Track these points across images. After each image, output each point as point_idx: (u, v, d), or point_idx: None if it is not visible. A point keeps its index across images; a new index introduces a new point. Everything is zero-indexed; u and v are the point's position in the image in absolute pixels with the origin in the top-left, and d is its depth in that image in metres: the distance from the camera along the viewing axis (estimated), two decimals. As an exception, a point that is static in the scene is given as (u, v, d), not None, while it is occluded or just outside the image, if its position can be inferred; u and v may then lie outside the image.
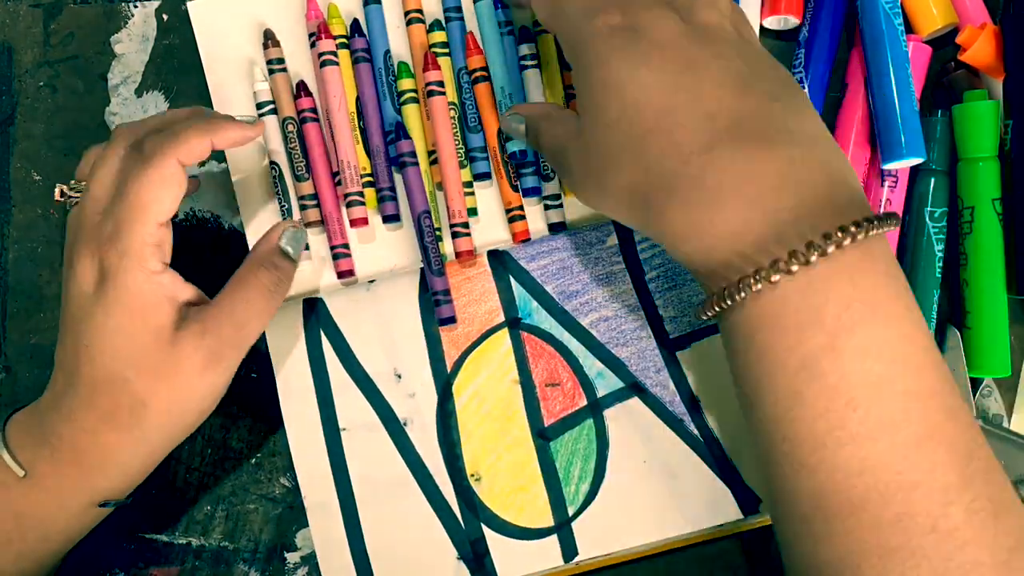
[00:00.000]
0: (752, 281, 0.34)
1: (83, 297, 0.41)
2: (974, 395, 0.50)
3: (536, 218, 0.51)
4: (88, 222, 0.42)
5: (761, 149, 0.35)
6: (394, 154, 0.50)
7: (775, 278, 0.34)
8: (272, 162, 0.51)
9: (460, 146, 0.51)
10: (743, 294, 0.35)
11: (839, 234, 0.33)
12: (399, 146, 0.49)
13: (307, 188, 0.51)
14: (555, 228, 0.51)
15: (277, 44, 0.52)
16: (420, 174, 0.49)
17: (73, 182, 0.45)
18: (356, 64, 0.51)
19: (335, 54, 0.51)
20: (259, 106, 0.51)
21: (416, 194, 0.49)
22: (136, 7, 0.54)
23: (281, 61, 0.51)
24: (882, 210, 0.50)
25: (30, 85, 0.54)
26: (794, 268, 0.33)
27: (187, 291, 0.43)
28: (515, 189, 0.51)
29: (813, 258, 0.33)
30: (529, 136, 0.46)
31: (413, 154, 0.49)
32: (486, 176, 0.51)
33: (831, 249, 0.33)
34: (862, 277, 0.34)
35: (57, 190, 0.45)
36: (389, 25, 0.52)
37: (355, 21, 0.52)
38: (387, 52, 0.51)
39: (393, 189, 0.51)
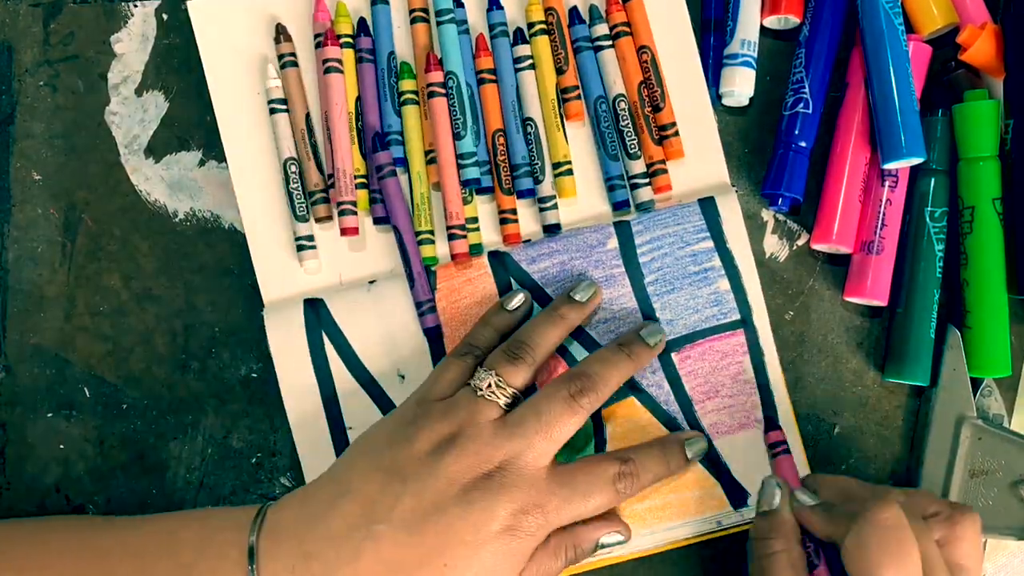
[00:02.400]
0: None
1: (483, 530, 0.42)
2: (974, 395, 0.50)
3: (533, 220, 0.51)
4: (530, 469, 0.43)
5: None
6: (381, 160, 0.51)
7: None
8: (289, 159, 0.51)
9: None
10: None
11: None
12: (376, 157, 0.49)
13: (317, 182, 0.51)
14: (550, 229, 0.51)
15: (289, 39, 0.52)
16: (398, 185, 0.49)
17: (496, 374, 0.45)
18: (359, 64, 0.51)
19: (340, 61, 0.51)
20: (271, 102, 0.51)
21: (396, 207, 0.49)
22: (136, 7, 0.54)
23: (293, 55, 0.51)
24: (882, 210, 0.50)
25: (30, 85, 0.54)
26: None
27: None
28: (507, 192, 0.51)
29: None
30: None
31: (392, 164, 0.49)
32: (475, 182, 0.50)
33: None
34: None
35: (487, 380, 0.44)
36: (395, 26, 0.52)
37: (361, 20, 0.52)
38: (391, 53, 0.51)
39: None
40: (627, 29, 0.51)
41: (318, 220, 0.51)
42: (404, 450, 0.43)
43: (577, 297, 0.48)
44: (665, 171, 0.51)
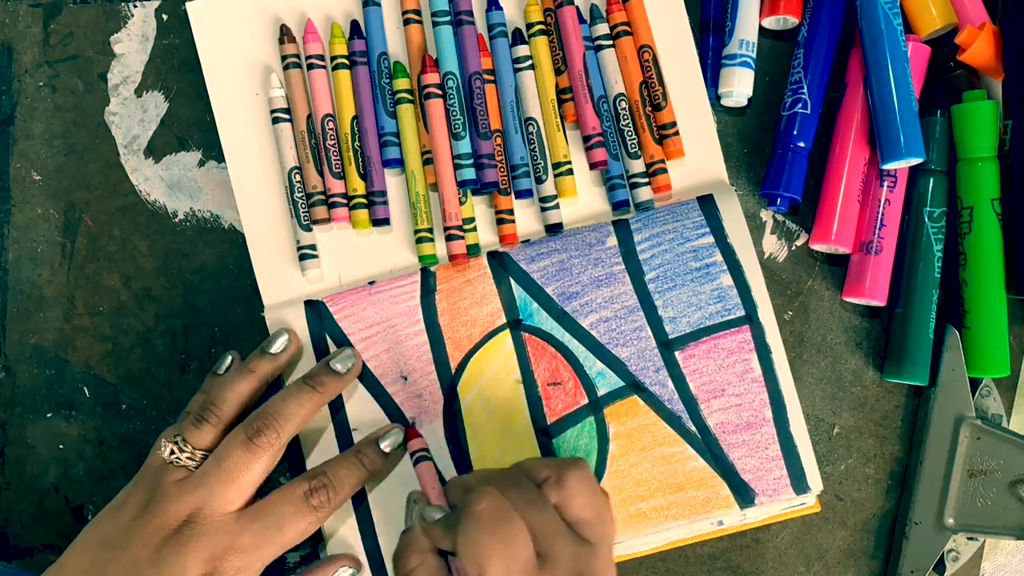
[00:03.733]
0: None
1: None
2: (973, 395, 0.50)
3: (532, 220, 0.52)
4: (217, 516, 0.44)
5: None
6: (386, 158, 0.51)
7: None
8: (293, 168, 0.51)
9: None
10: None
11: None
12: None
13: (316, 184, 0.51)
14: (552, 229, 0.51)
15: (293, 40, 0.52)
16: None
17: (180, 439, 0.45)
18: (353, 67, 0.51)
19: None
20: (274, 111, 0.51)
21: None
22: (136, 7, 0.54)
23: (296, 56, 0.51)
24: (881, 210, 0.50)
25: (30, 85, 0.54)
26: None
27: None
28: (504, 193, 0.51)
29: None
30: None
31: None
32: (472, 182, 0.50)
33: None
34: None
35: (167, 448, 0.45)
36: (388, 28, 0.52)
37: (354, 23, 0.52)
38: (382, 54, 0.51)
39: (384, 193, 0.51)
40: (628, 28, 0.51)
41: (316, 222, 0.51)
42: (112, 520, 0.44)
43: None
44: (665, 171, 0.51)
